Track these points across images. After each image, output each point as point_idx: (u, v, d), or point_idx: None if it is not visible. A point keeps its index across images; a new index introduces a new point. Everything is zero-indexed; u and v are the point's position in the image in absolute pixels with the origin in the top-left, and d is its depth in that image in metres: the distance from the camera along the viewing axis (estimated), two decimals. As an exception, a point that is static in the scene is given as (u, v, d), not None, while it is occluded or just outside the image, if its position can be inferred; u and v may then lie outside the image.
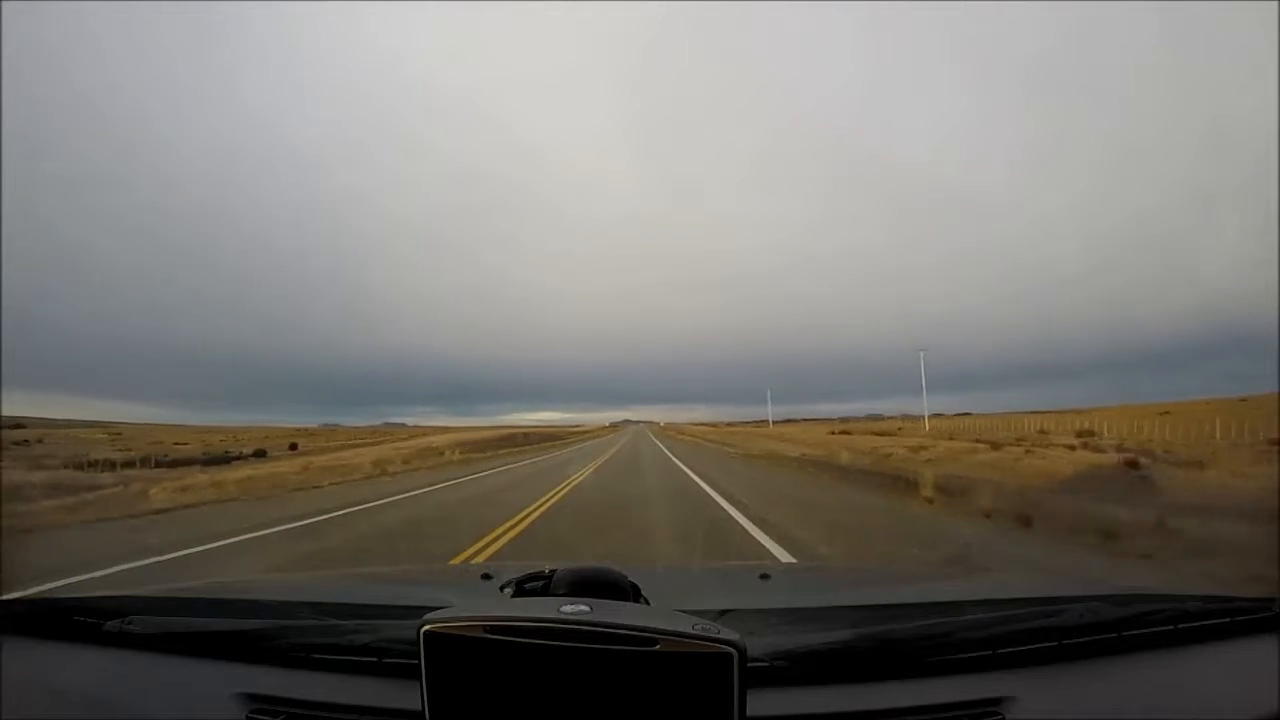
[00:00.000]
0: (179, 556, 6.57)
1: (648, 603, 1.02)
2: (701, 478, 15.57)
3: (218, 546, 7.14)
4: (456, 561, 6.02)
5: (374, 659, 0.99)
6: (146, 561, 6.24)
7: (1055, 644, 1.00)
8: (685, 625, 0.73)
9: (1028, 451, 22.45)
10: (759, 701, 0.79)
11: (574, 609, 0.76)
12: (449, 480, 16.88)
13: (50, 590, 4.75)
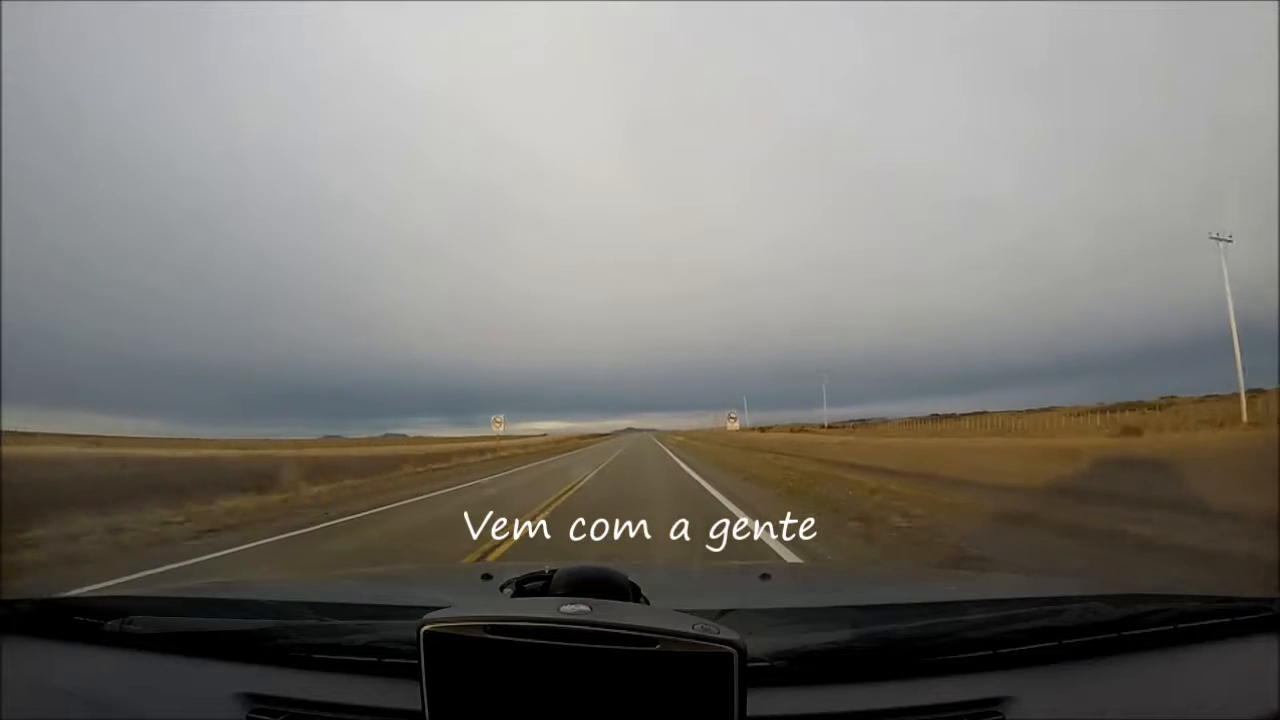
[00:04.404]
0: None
1: (648, 603, 1.02)
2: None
3: None
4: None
5: (374, 659, 0.99)
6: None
7: (1055, 644, 1.00)
8: (685, 625, 0.73)
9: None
10: (759, 701, 0.78)
11: (574, 609, 0.76)
12: None
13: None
